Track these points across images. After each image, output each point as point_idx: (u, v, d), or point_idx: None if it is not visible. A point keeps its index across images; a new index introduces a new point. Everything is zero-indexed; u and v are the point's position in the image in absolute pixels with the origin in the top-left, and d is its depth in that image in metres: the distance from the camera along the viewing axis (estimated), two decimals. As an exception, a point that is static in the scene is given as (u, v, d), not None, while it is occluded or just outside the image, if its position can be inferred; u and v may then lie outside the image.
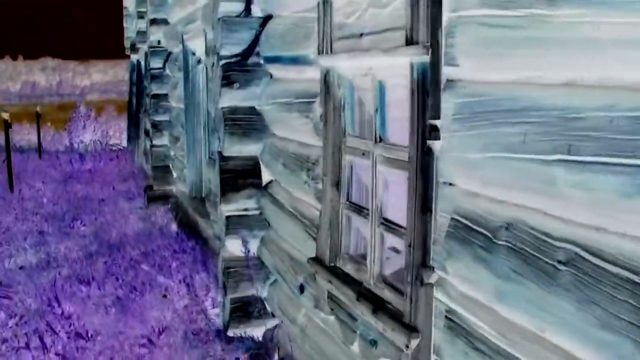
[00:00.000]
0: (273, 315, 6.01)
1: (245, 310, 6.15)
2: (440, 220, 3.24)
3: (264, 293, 6.14)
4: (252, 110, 5.86)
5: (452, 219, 3.08)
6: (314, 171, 4.71)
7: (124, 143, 21.73)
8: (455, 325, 3.12)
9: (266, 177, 6.01)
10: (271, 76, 5.70)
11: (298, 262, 5.14)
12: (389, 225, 3.81)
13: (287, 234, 5.43)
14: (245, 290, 6.13)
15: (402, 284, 3.71)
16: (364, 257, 4.26)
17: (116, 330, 6.38)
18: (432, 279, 3.30)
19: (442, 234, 3.22)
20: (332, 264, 4.44)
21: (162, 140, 11.37)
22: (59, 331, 6.35)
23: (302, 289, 5.05)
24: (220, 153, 5.95)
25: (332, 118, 4.32)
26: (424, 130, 3.22)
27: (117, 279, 7.86)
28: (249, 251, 5.89)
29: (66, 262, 8.70)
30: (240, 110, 5.82)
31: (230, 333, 6.15)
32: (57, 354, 5.95)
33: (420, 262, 3.32)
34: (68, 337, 6.23)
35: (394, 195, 3.86)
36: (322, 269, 4.44)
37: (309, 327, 4.99)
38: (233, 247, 6.11)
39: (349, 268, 4.28)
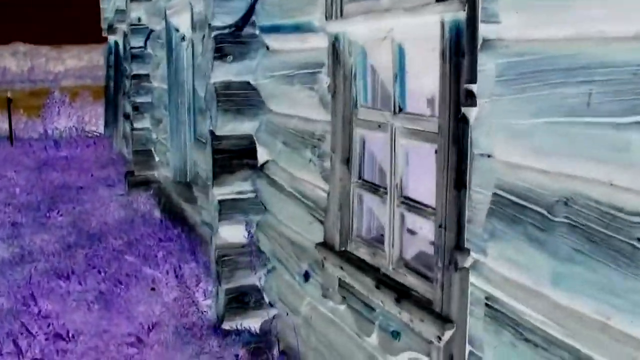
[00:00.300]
0: (271, 305, 5.65)
1: (241, 300, 5.77)
2: (476, 197, 2.89)
3: (260, 282, 5.77)
4: (247, 85, 5.47)
5: (495, 194, 2.73)
6: (320, 148, 4.34)
7: (101, 130, 21.21)
8: (498, 314, 2.77)
9: (262, 156, 5.62)
10: (267, 48, 5.30)
11: (301, 248, 4.77)
12: (411, 204, 3.45)
13: (288, 218, 5.06)
14: (240, 279, 5.75)
15: (428, 269, 3.37)
16: (379, 240, 3.91)
17: (100, 328, 5.92)
18: (467, 262, 2.95)
19: (478, 212, 2.87)
20: (343, 249, 4.08)
21: (144, 123, 10.93)
22: (36, 333, 5.81)
23: (306, 276, 4.69)
24: (212, 132, 5.56)
25: (341, 89, 3.95)
26: (458, 96, 2.86)
27: (100, 272, 7.36)
28: (252, 236, 5.50)
29: (42, 256, 8.10)
30: (234, 85, 5.42)
31: (225, 326, 5.77)
32: (34, 359, 5.44)
33: (454, 245, 2.96)
34: (46, 339, 5.70)
35: (417, 172, 3.51)
36: (332, 255, 4.08)
37: (314, 317, 4.64)
38: (227, 233, 5.73)
39: (362, 253, 3.92)
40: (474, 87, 2.82)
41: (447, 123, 2.94)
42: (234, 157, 5.58)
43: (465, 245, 2.96)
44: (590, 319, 2.30)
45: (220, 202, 5.67)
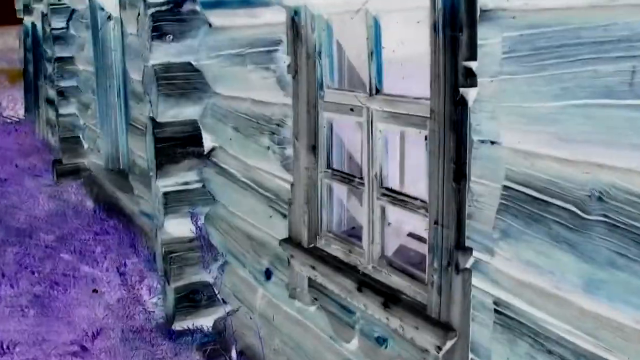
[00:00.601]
0: (224, 302, 5.24)
1: (192, 299, 5.35)
2: (477, 189, 2.55)
3: (212, 278, 5.35)
4: (189, 66, 5.00)
5: (507, 188, 2.38)
6: (280, 134, 3.94)
7: (21, 115, 20.26)
8: (512, 322, 2.45)
9: (208, 143, 5.17)
10: (210, 25, 4.84)
11: (261, 243, 4.38)
12: (394, 196, 3.09)
13: (242, 210, 4.64)
14: (190, 276, 5.32)
15: (416, 268, 3.03)
16: (354, 235, 3.55)
17: (38, 337, 5.33)
18: (469, 262, 2.61)
19: (480, 206, 2.53)
20: (312, 245, 3.70)
21: (70, 108, 10.27)
22: (-36, 346, 5.22)
23: (268, 274, 4.30)
24: (152, 119, 5.09)
25: (304, 69, 3.54)
26: (455, 75, 2.50)
27: (33, 273, 6.70)
28: (200, 229, 5.07)
29: (-37, 258, 7.32)
30: (175, 67, 4.95)
31: (176, 327, 5.34)
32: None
33: (454, 243, 2.61)
34: (-23, 353, 5.14)
35: (400, 160, 3.15)
36: (300, 252, 3.70)
37: (278, 318, 4.26)
38: (173, 227, 5.29)
39: (335, 250, 3.55)
40: (473, 65, 2.46)
41: (441, 106, 2.58)
42: (178, 145, 5.12)
43: (466, 244, 2.61)
44: (633, 330, 1.99)
45: (165, 194, 5.22)
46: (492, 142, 2.45)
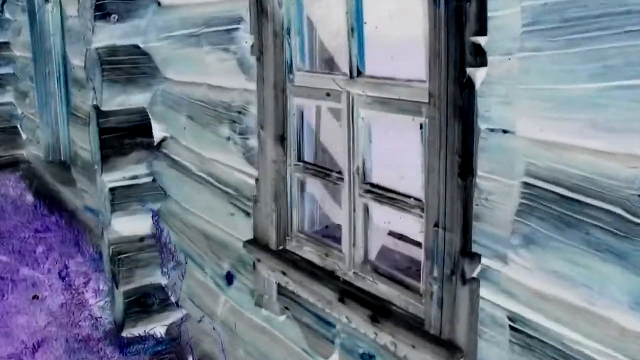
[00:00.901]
0: (178, 306, 4.81)
1: (143, 303, 4.90)
2: (486, 185, 2.18)
3: (164, 279, 4.92)
4: (136, 49, 4.54)
5: (527, 185, 2.01)
6: (242, 123, 3.52)
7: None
8: (533, 341, 2.09)
9: (159, 133, 4.72)
10: (159, 3, 4.38)
11: (221, 244, 3.96)
12: (381, 194, 2.70)
13: (198, 207, 4.21)
14: (141, 279, 4.87)
15: (407, 275, 2.65)
16: (330, 236, 3.16)
17: None
18: (477, 271, 2.24)
19: (490, 206, 2.16)
20: (282, 247, 3.30)
21: (6, 97, 9.65)
22: None
23: (229, 279, 3.89)
24: (96, 108, 4.61)
25: (271, 49, 3.12)
26: (461, 53, 2.11)
27: None
28: (162, 230, 4.61)
29: None
30: (121, 50, 4.48)
31: (126, 333, 4.88)
32: None
33: (459, 249, 2.24)
34: None
35: (387, 152, 2.76)
36: (267, 255, 3.30)
37: (241, 326, 3.85)
38: (121, 226, 4.82)
39: (308, 253, 3.15)
40: (482, 41, 2.08)
41: (443, 89, 2.19)
42: (125, 135, 4.65)
43: (473, 249, 2.24)
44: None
45: (112, 190, 4.75)
46: (505, 131, 2.07)
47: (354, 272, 2.87)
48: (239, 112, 3.53)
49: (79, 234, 6.84)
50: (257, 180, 3.37)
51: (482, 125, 2.15)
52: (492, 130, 2.12)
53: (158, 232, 4.77)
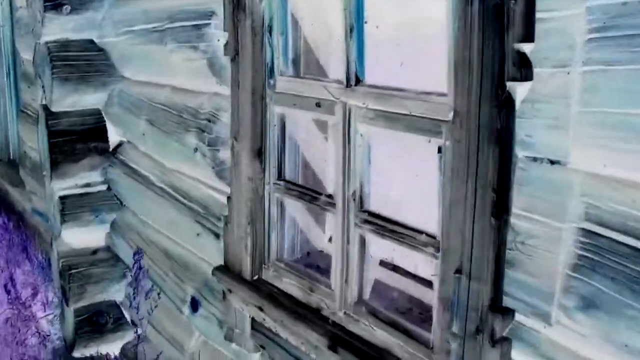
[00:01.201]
0: (134, 324, 4.35)
1: (96, 322, 4.45)
2: (524, 227, 1.76)
3: (119, 296, 4.45)
4: (91, 44, 4.05)
5: (588, 233, 1.59)
6: (211, 132, 3.07)
7: None
8: None
9: (114, 138, 4.24)
10: (118, -7, 3.91)
11: (183, 265, 3.51)
12: (382, 225, 2.27)
13: (159, 222, 3.76)
14: (94, 295, 4.42)
15: (411, 321, 2.24)
16: (312, 265, 2.73)
17: None
18: (506, 330, 1.83)
19: (531, 252, 1.75)
20: (257, 277, 2.86)
21: (-51, 91, 9.08)
22: None
23: (194, 305, 3.44)
24: (46, 108, 4.12)
25: (248, 49, 2.67)
26: (501, 63, 1.69)
27: None
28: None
29: None
30: (73, 45, 3.99)
31: (77, 354, 4.46)
32: None
33: (489, 302, 1.82)
34: None
35: (388, 176, 2.34)
36: (240, 286, 2.85)
37: (205, 354, 3.41)
38: (72, 237, 4.37)
39: (288, 285, 2.72)
40: (527, 48, 1.66)
41: (472, 105, 1.77)
42: (77, 139, 4.17)
43: (505, 304, 1.83)
44: None
45: (62, 198, 4.27)
46: (552, 162, 1.66)
47: (346, 313, 2.44)
48: (209, 120, 3.07)
49: (27, 239, 6.32)
50: (229, 198, 2.93)
51: (520, 152, 1.74)
52: (534, 159, 1.71)
53: (105, 244, 4.30)
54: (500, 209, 1.76)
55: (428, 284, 2.42)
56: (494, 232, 1.78)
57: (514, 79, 1.67)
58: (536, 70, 1.66)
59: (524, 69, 1.66)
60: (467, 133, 1.80)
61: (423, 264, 2.47)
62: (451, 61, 1.82)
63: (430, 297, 2.15)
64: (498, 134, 1.72)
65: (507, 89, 1.69)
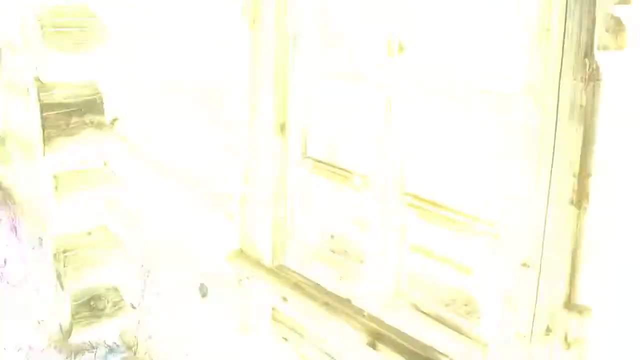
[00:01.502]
0: (133, 307, 4.14)
1: (94, 306, 4.23)
2: (606, 215, 1.54)
3: (118, 279, 4.23)
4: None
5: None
6: (222, 101, 2.83)
7: None
8: None
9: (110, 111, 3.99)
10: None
11: (190, 247, 3.28)
12: (431, 211, 2.05)
13: (163, 200, 3.52)
14: (91, 279, 4.19)
15: (461, 317, 2.03)
16: (342, 252, 2.51)
17: None
18: (584, 329, 1.62)
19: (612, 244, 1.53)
20: (279, 264, 2.64)
21: None
22: None
23: (202, 291, 3.22)
24: (37, 79, 3.85)
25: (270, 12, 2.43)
26: (590, 29, 1.46)
27: None
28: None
29: None
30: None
31: (74, 340, 4.23)
32: None
33: (564, 299, 1.61)
34: None
35: (436, 156, 2.11)
36: (260, 274, 2.63)
37: (211, 343, 3.21)
38: (67, 218, 4.12)
39: (314, 273, 2.50)
40: (623, 12, 1.43)
41: (553, 78, 1.54)
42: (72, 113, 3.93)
43: (579, 301, 1.62)
44: None
45: (56, 175, 4.02)
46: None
47: (383, 305, 2.22)
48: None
49: (15, 217, 6.07)
50: (245, 177, 2.69)
51: (605, 134, 1.51)
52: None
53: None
54: (580, 196, 1.54)
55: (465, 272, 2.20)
56: (572, 222, 1.56)
57: (605, 49, 1.44)
58: (631, 39, 1.43)
59: (617, 36, 1.43)
60: (542, 109, 1.57)
61: (462, 251, 2.25)
62: (524, 24, 1.59)
63: (475, 288, 1.94)
64: (582, 113, 1.50)
65: (596, 61, 1.46)
